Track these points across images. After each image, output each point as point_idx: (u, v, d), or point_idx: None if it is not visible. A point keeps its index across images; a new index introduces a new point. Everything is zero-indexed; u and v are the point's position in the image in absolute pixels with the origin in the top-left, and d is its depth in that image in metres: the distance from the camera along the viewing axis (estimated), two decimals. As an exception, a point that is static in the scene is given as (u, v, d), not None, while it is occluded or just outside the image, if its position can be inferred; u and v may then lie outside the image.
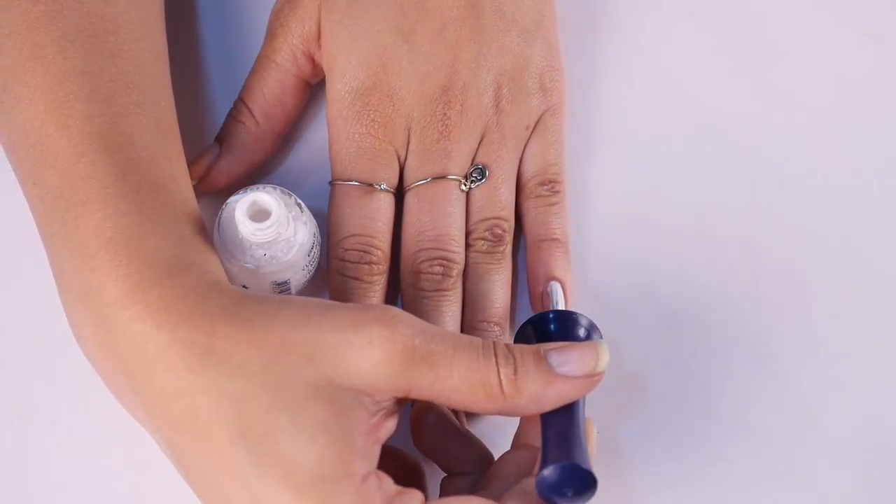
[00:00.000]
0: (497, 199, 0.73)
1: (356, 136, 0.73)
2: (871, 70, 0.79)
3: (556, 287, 0.72)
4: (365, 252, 0.72)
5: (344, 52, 0.73)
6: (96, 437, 0.70)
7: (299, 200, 0.69)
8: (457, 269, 0.72)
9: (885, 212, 0.76)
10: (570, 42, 0.78)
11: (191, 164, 0.74)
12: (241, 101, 0.75)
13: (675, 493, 0.71)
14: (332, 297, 0.72)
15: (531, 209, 0.74)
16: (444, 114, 0.73)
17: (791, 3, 0.80)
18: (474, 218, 0.73)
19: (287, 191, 0.69)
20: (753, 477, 0.71)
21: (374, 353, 0.61)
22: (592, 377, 0.64)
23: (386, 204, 0.73)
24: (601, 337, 0.68)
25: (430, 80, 0.73)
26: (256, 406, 0.60)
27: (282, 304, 0.63)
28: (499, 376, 0.62)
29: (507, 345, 0.64)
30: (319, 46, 0.74)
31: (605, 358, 0.64)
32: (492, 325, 0.72)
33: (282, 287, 0.70)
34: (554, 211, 0.74)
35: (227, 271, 0.69)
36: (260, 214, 0.67)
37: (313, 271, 0.72)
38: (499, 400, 0.63)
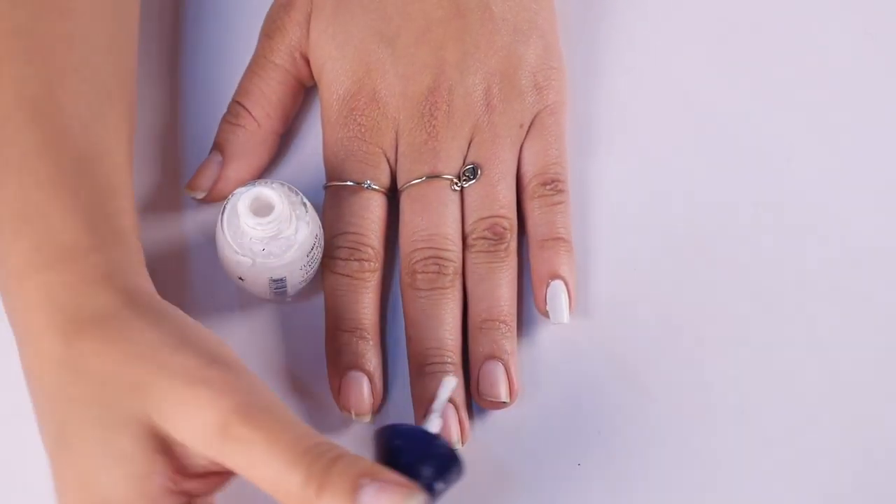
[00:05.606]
0: (494, 197, 0.73)
1: (344, 140, 0.74)
2: (871, 68, 0.79)
3: (445, 386, 0.67)
4: (354, 249, 0.72)
5: (330, 60, 0.74)
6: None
7: (305, 200, 0.69)
8: (452, 268, 0.72)
9: (886, 210, 0.76)
10: (571, 41, 0.78)
11: (195, 177, 0.74)
12: (237, 104, 0.75)
13: (675, 494, 0.71)
14: (326, 296, 0.72)
15: (534, 209, 0.74)
16: (431, 114, 0.73)
17: (791, 1, 0.81)
18: (472, 218, 0.73)
19: (294, 188, 0.69)
20: (753, 477, 0.71)
21: (190, 415, 0.60)
22: None
23: (375, 202, 0.73)
24: (458, 469, 0.64)
25: (414, 82, 0.74)
26: (81, 415, 0.61)
27: (153, 324, 0.62)
28: (303, 489, 0.59)
29: (335, 457, 0.59)
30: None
31: None
32: (498, 323, 0.72)
33: (277, 284, 0.70)
34: (557, 210, 0.74)
35: (227, 260, 0.70)
36: (263, 209, 0.67)
37: (313, 272, 0.72)
38: None
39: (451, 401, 0.70)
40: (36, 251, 0.63)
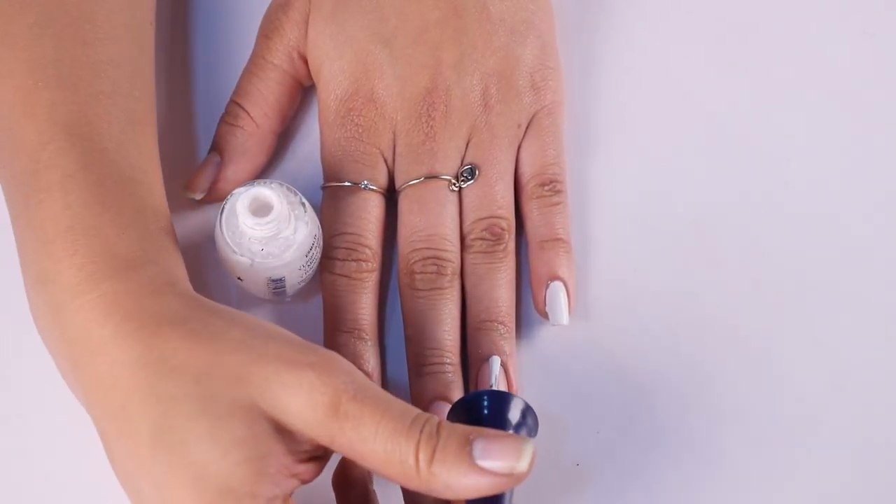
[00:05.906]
0: (492, 197, 0.74)
1: (341, 140, 0.74)
2: (870, 68, 0.79)
3: (495, 362, 0.71)
4: (352, 249, 0.72)
5: (328, 61, 0.74)
6: (97, 436, 0.70)
7: (304, 200, 0.70)
8: (451, 268, 0.72)
9: (886, 210, 0.76)
10: (569, 41, 0.78)
11: (194, 177, 0.74)
12: (235, 104, 0.75)
13: (674, 494, 0.71)
14: (324, 296, 0.72)
15: (533, 210, 0.74)
16: (429, 115, 0.73)
17: (790, 1, 0.80)
18: (470, 218, 0.74)
19: (293, 189, 0.69)
20: (753, 477, 0.71)
21: (300, 398, 0.61)
22: (512, 476, 0.61)
23: (373, 203, 0.73)
24: (536, 421, 0.67)
25: (412, 83, 0.74)
26: (180, 411, 0.61)
27: (232, 322, 0.63)
28: (416, 456, 0.61)
29: (440, 422, 0.61)
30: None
31: (525, 461, 0.61)
32: (496, 324, 0.72)
33: (276, 284, 0.70)
34: (556, 211, 0.74)
35: (226, 260, 0.70)
36: (261, 209, 0.68)
37: (311, 272, 0.72)
38: (414, 479, 0.61)
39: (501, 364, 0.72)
40: (93, 264, 0.63)
